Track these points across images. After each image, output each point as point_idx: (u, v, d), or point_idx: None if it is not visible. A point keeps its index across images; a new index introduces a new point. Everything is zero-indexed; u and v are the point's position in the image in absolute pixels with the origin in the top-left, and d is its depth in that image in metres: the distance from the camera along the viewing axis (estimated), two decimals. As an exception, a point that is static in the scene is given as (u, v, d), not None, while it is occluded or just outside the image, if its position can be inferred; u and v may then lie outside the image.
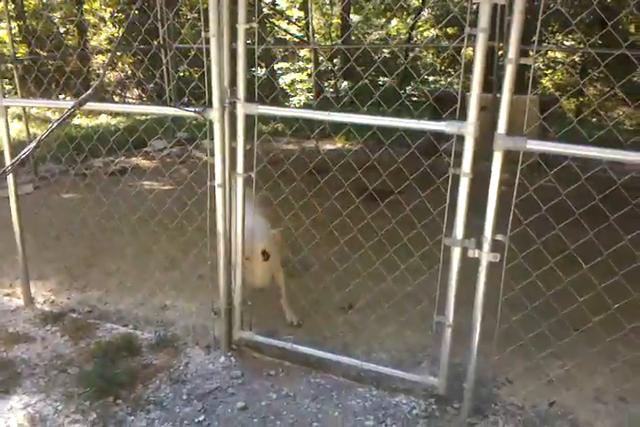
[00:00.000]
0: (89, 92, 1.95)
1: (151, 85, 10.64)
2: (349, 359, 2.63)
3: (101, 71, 13.00)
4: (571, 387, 2.52)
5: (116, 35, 13.89)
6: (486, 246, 2.13)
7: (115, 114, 9.97)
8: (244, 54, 2.46)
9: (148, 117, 9.30)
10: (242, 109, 2.51)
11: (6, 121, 3.08)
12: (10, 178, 3.20)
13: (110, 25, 14.39)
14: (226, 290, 2.76)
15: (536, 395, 2.52)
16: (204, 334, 3.03)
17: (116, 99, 12.91)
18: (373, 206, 2.82)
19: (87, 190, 4.70)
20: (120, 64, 13.20)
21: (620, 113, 12.27)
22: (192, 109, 2.52)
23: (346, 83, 13.37)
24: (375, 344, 2.92)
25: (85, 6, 14.44)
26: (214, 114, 2.50)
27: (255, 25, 2.44)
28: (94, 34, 14.82)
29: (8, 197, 3.23)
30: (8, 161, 3.17)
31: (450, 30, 14.66)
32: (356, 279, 2.95)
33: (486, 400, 2.49)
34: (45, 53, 7.37)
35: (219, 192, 2.61)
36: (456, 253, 2.23)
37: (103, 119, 10.14)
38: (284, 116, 2.54)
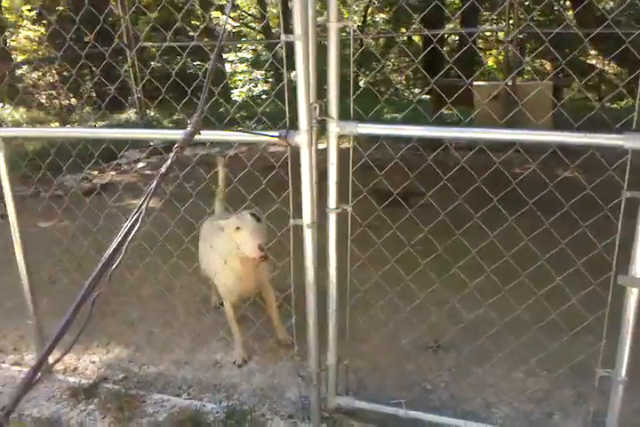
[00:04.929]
0: (188, 131, 1.40)
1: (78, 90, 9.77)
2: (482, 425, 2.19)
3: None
4: None
5: (38, 34, 12.80)
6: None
7: (62, 122, 9.05)
8: (337, 59, 1.94)
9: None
10: (336, 129, 1.99)
11: (4, 155, 2.44)
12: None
13: (30, 24, 13.25)
14: (317, 350, 2.25)
15: None
16: (276, 398, 2.52)
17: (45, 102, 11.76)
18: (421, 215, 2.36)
19: (67, 216, 4.02)
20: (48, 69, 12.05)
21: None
22: (273, 134, 1.97)
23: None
24: (490, 395, 2.48)
25: (4, 4, 13.25)
26: (302, 138, 1.96)
27: (351, 23, 1.93)
28: (12, 33, 13.63)
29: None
30: (9, 204, 2.54)
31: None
32: (439, 308, 2.52)
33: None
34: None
35: (308, 234, 2.08)
36: (634, 296, 1.83)
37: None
38: (393, 136, 2.00)
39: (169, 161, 1.30)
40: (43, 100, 11.96)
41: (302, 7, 1.83)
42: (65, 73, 10.49)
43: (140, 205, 1.24)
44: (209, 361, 2.81)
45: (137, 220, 1.23)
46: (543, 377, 2.55)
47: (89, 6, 2.24)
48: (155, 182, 1.27)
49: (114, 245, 1.17)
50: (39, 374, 1.15)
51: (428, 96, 10.08)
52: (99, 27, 2.55)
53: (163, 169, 1.29)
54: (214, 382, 2.64)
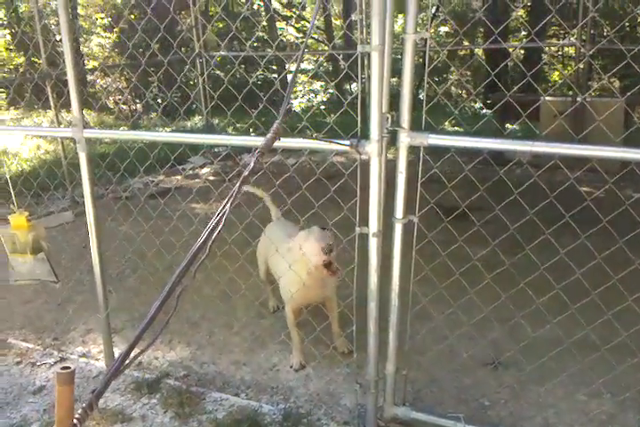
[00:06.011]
0: (270, 135, 1.45)
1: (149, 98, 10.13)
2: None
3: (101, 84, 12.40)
4: None
5: (109, 41, 13.36)
6: None
7: (134, 126, 9.43)
8: (412, 71, 1.97)
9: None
10: (406, 140, 2.01)
11: (88, 155, 2.57)
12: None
13: (101, 30, 13.85)
14: (376, 358, 2.26)
15: None
16: (332, 404, 2.53)
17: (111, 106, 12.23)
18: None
19: (139, 217, 4.16)
20: (119, 75, 12.51)
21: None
22: (346, 142, 2.01)
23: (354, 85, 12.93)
24: (550, 415, 2.42)
25: (80, 11, 13.93)
26: (372, 147, 2.00)
27: (428, 35, 1.95)
28: (85, 40, 14.29)
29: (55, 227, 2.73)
30: (88, 202, 2.67)
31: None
32: (501, 324, 2.48)
33: None
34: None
35: (373, 243, 2.11)
36: None
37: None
38: (465, 148, 2.00)
39: (251, 164, 1.35)
40: (111, 105, 12.49)
41: (380, 18, 1.88)
42: (133, 79, 10.91)
43: (225, 205, 1.29)
44: (267, 364, 2.85)
45: (220, 220, 1.29)
46: (607, 400, 2.48)
47: (174, 15, 2.34)
48: (238, 183, 1.33)
49: (199, 243, 1.22)
50: (128, 360, 1.22)
51: (487, 110, 9.98)
52: (180, 38, 2.68)
53: (246, 172, 1.34)
54: (271, 385, 2.69)
